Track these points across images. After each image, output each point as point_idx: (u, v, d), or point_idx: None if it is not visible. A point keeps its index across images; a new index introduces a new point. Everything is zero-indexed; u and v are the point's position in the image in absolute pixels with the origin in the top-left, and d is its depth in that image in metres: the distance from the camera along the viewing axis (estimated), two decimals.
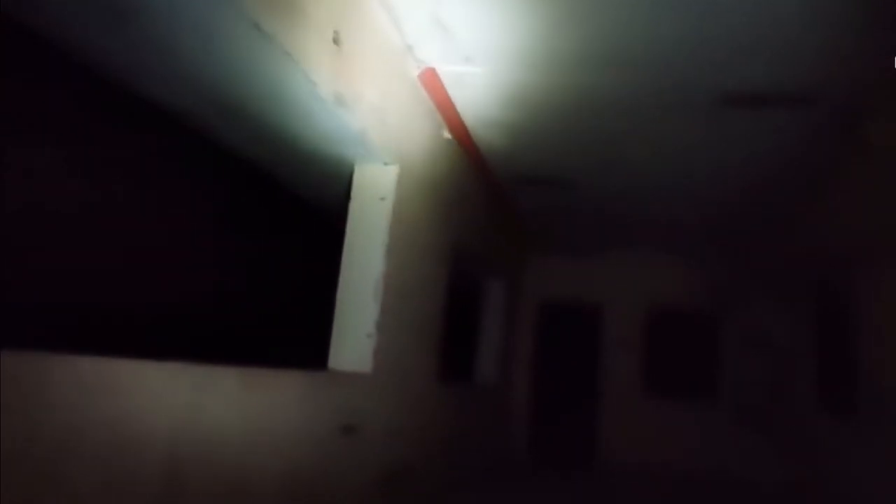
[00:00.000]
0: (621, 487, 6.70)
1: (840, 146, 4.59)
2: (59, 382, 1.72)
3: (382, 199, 3.91)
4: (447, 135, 4.87)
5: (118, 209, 3.82)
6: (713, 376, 8.52)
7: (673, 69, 3.86)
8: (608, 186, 6.04)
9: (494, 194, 6.39)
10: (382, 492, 3.96)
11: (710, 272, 8.58)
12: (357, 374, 3.69)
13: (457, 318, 7.93)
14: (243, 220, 5.40)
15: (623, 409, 8.42)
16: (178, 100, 3.66)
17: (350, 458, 3.53)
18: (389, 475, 4.06)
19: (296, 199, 6.11)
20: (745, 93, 4.06)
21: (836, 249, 5.91)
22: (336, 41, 3.05)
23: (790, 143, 4.72)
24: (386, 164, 3.95)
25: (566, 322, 9.05)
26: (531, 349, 8.82)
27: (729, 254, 8.10)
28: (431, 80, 4.30)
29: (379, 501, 3.91)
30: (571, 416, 8.68)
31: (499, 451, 7.92)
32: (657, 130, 4.72)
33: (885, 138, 4.26)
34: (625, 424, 8.35)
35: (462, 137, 5.11)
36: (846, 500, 5.67)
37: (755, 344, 8.13)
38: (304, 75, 2.89)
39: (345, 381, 3.56)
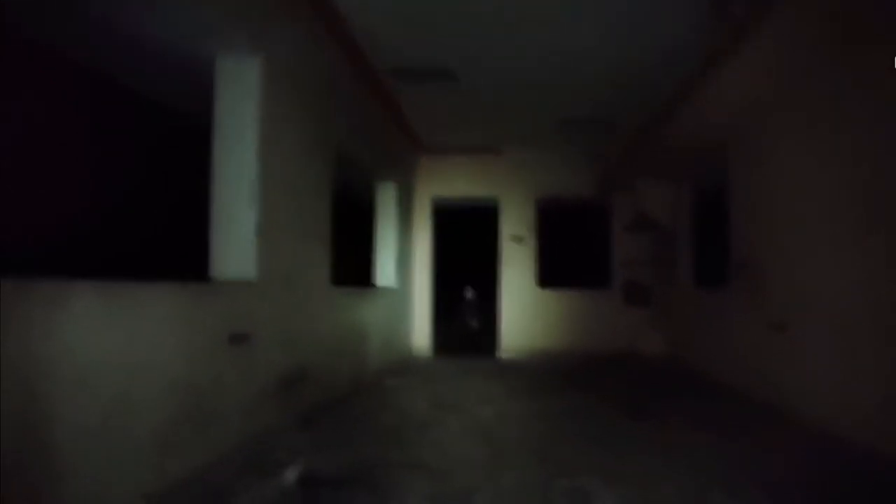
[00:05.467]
0: (516, 369, 7.16)
1: (715, 27, 4.70)
2: None
3: (249, 95, 3.62)
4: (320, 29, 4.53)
5: None
6: (604, 262, 9.10)
7: None
8: (490, 77, 5.93)
9: (377, 91, 6.12)
10: (280, 396, 3.97)
11: (599, 161, 8.90)
12: (242, 281, 3.56)
13: (353, 224, 7.83)
14: (104, 133, 4.87)
15: (522, 299, 8.86)
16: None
17: (242, 366, 3.47)
18: (286, 380, 4.06)
19: (158, 106, 5.58)
20: None
21: (712, 133, 6.23)
22: None
23: (668, 25, 4.77)
24: (250, 56, 3.62)
25: (464, 219, 9.19)
26: (430, 248, 8.95)
27: (615, 141, 8.35)
28: None
29: (276, 407, 3.93)
30: (473, 309, 9.04)
31: (404, 350, 8.17)
32: (536, 12, 4.61)
33: (753, 17, 4.41)
34: (524, 314, 8.82)
35: (336, 27, 4.77)
36: (718, 357, 6.38)
37: (642, 228, 8.64)
38: None
39: (229, 291, 3.42)
